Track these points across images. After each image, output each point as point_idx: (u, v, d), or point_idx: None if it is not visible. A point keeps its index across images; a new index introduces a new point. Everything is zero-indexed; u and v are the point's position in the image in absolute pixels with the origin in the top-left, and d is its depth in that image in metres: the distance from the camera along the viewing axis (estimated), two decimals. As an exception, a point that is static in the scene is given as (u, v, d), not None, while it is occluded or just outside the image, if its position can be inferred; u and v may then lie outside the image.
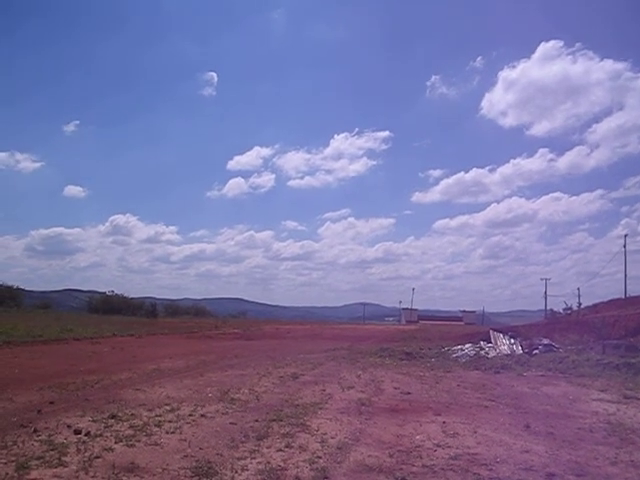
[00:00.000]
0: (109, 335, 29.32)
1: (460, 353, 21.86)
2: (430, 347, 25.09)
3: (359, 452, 7.50)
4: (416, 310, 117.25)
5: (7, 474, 6.10)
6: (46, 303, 67.64)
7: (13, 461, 6.55)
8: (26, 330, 26.18)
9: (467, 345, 23.68)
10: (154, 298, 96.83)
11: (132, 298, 70.98)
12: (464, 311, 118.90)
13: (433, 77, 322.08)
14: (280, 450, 7.43)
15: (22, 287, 64.46)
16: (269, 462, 6.82)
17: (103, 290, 72.04)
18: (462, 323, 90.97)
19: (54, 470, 6.30)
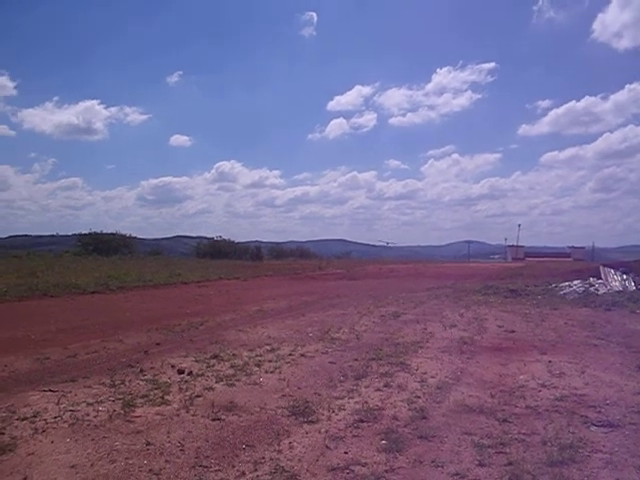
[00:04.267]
0: (215, 278, 30.17)
1: (568, 290, 20.97)
2: (536, 284, 24.20)
3: (459, 392, 7.30)
4: (522, 247, 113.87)
5: (114, 411, 6.33)
6: (157, 250, 70.47)
7: (120, 399, 6.80)
8: (138, 276, 27.31)
9: (576, 282, 22.67)
10: (260, 242, 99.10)
11: (238, 242, 72.60)
12: (572, 247, 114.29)
13: (540, 0, 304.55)
14: (378, 390, 7.35)
15: (135, 235, 67.48)
16: (367, 402, 6.74)
17: (211, 236, 73.95)
18: (570, 259, 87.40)
19: (157, 408, 6.48)
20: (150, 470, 4.68)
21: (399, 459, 4.97)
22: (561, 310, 16.45)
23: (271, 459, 4.95)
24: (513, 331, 12.44)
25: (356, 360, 9.16)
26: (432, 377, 8.07)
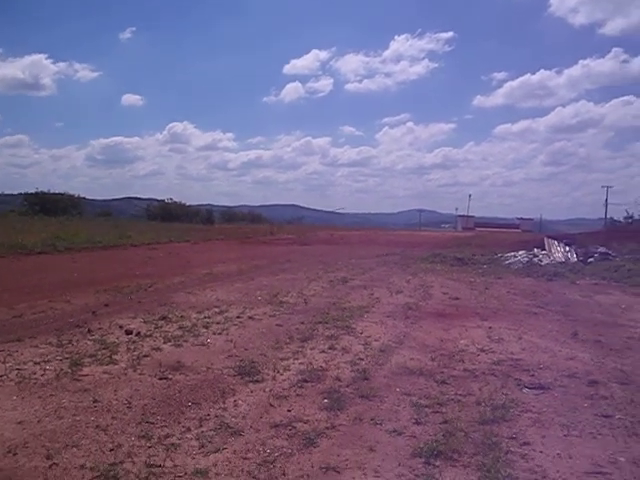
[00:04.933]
0: (165, 241, 30.00)
1: (513, 260, 21.57)
2: (483, 254, 24.77)
3: (401, 355, 7.57)
4: (472, 217, 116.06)
5: (62, 370, 6.39)
6: (107, 211, 69.35)
7: (67, 358, 6.85)
8: (86, 237, 26.88)
9: (520, 252, 23.32)
10: (212, 205, 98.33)
11: (190, 205, 71.90)
12: (521, 218, 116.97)
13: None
14: (323, 352, 7.57)
15: (84, 196, 66.12)
16: (311, 363, 6.95)
17: (162, 198, 73.07)
18: (519, 231, 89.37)
19: (105, 367, 6.56)
20: (97, 426, 4.79)
21: (340, 417, 5.19)
22: (505, 279, 16.98)
23: (216, 416, 5.12)
24: (457, 298, 12.82)
25: (303, 323, 9.36)
26: (376, 340, 8.32)
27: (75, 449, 4.34)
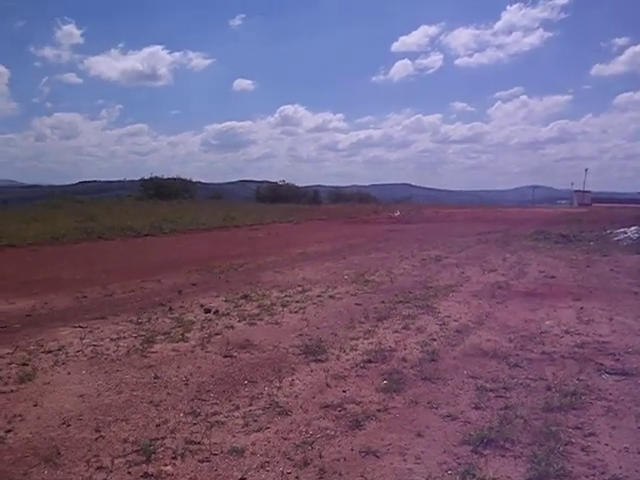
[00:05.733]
0: (268, 222, 30.52)
1: (622, 236, 20.33)
2: (592, 230, 23.54)
3: (478, 336, 7.29)
4: (589, 192, 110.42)
5: (134, 346, 6.61)
6: (218, 194, 71.29)
7: (142, 336, 7.08)
8: (192, 219, 27.80)
9: (632, 228, 21.94)
10: (322, 186, 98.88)
11: (300, 187, 72.62)
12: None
13: None
14: (396, 332, 7.41)
15: (199, 180, 68.19)
16: (380, 343, 6.82)
17: (275, 180, 74.14)
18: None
19: (175, 344, 6.73)
20: (151, 402, 4.91)
21: (395, 399, 5.05)
22: (610, 257, 15.99)
23: (269, 395, 5.11)
24: (553, 277, 12.21)
25: (383, 302, 9.22)
26: (455, 321, 8.06)
27: (124, 423, 4.46)
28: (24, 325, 7.75)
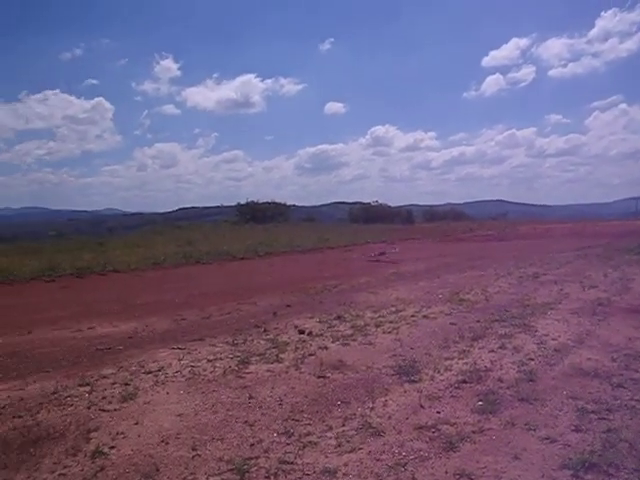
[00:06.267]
0: (362, 242, 30.56)
1: None
2: None
3: (578, 355, 7.00)
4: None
5: (229, 367, 6.75)
6: (311, 216, 72.05)
7: (238, 357, 7.21)
8: (287, 241, 28.23)
9: None
10: (416, 205, 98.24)
11: (393, 206, 72.44)
12: None
13: None
14: (492, 351, 7.22)
15: (293, 203, 69.23)
16: (475, 363, 6.67)
17: (367, 201, 74.36)
18: None
19: (269, 365, 6.82)
20: (246, 421, 5.00)
21: (491, 421, 4.91)
22: None
23: (362, 415, 5.09)
24: (660, 292, 11.59)
25: (478, 322, 9.03)
26: (553, 339, 7.78)
27: (219, 442, 4.56)
28: (126, 347, 8.09)
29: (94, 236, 34.28)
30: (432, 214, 77.42)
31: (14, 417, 5.32)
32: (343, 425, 4.87)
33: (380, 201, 71.36)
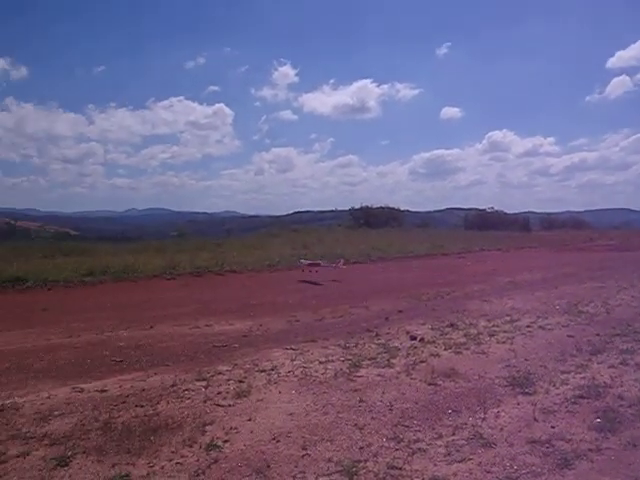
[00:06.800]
0: (476, 250, 29.95)
1: None
2: None
3: None
4: None
5: (341, 370, 6.82)
6: (425, 222, 71.30)
7: (349, 360, 7.27)
8: (400, 247, 28.04)
9: None
10: (533, 212, 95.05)
11: (509, 213, 70.54)
12: None
13: None
14: (612, 367, 6.90)
15: (407, 208, 68.85)
16: (594, 378, 6.39)
17: (483, 207, 72.88)
18: None
19: (380, 370, 6.83)
20: (355, 424, 5.02)
21: (610, 440, 4.69)
22: None
23: (473, 426, 4.99)
24: None
25: (598, 335, 8.65)
26: (685, 356, 7.33)
27: (329, 443, 4.61)
28: (241, 345, 8.34)
29: (213, 237, 35.48)
30: (550, 222, 74.65)
31: (136, 406, 5.62)
32: (453, 434, 4.80)
33: (496, 207, 69.67)
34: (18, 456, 4.42)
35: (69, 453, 4.45)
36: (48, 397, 5.95)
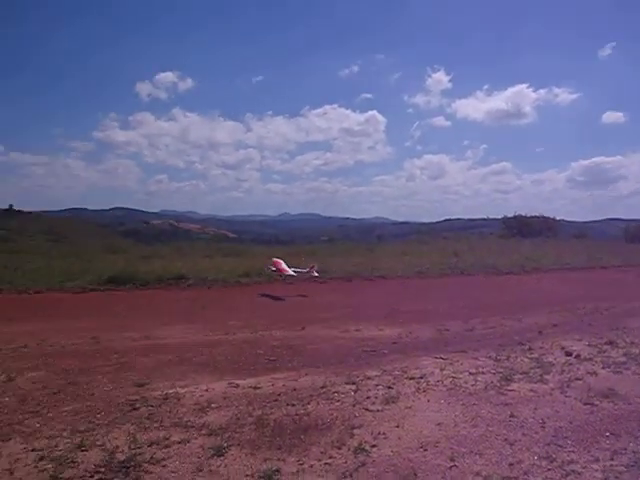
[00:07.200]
0: (638, 263, 28.03)
1: None
2: None
3: None
4: None
5: (491, 382, 6.70)
6: (582, 233, 67.70)
7: (500, 372, 7.14)
8: (555, 258, 26.76)
9: None
10: None
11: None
12: None
13: None
14: None
15: (562, 218, 65.76)
16: None
17: (646, 218, 68.13)
18: None
19: (533, 385, 6.63)
20: (506, 439, 4.93)
21: None
22: None
23: (633, 452, 4.72)
24: None
25: None
26: None
27: (477, 456, 4.56)
28: (391, 351, 8.43)
29: (363, 243, 35.87)
30: None
31: (288, 405, 5.85)
32: (611, 459, 4.57)
33: (662, 219, 64.74)
34: (179, 442, 4.78)
35: (225, 444, 4.74)
36: (206, 390, 6.36)
